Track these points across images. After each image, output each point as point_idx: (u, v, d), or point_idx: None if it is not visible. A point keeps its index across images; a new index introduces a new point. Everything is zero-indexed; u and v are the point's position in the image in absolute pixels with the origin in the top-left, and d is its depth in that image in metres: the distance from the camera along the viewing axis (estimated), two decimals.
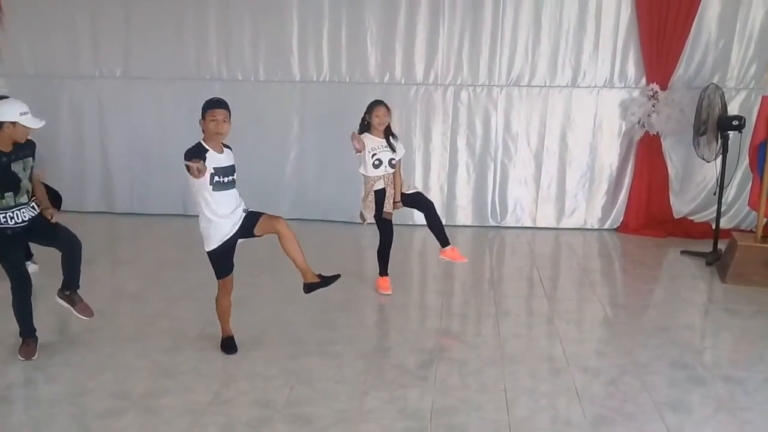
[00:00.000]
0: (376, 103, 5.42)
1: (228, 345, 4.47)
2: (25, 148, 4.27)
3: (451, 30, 7.35)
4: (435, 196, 7.60)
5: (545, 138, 7.54)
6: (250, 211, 4.27)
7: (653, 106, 7.14)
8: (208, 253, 4.26)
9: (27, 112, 4.18)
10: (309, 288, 4.36)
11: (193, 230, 5.70)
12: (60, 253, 4.38)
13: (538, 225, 7.73)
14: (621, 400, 3.94)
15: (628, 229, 7.54)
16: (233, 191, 4.23)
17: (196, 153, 4.01)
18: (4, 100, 4.25)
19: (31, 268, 4.11)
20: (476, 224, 7.74)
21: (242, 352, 4.44)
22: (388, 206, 5.30)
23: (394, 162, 5.32)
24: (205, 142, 4.14)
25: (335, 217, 7.73)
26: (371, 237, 6.37)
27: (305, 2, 7.40)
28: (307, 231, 6.30)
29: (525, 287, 5.96)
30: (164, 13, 7.53)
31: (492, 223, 7.73)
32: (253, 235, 4.28)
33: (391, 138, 5.35)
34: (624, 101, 7.40)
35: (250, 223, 4.23)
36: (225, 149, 4.25)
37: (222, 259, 4.28)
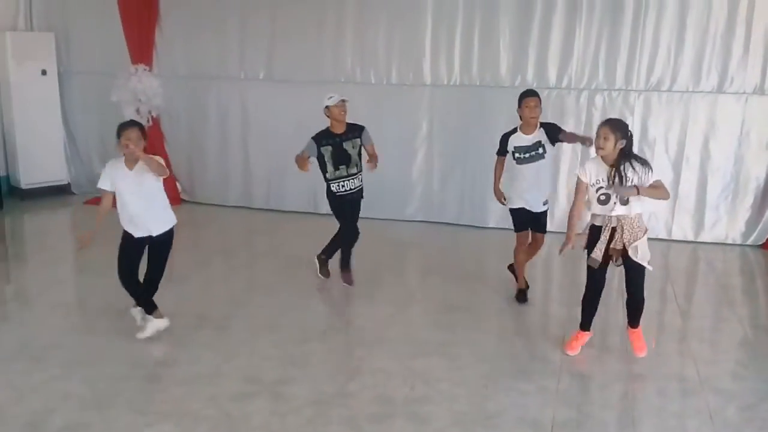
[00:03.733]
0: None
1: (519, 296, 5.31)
2: (354, 131, 5.36)
3: (588, 32, 7.15)
4: (562, 204, 7.45)
5: (685, 146, 7.15)
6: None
7: None
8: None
9: (332, 96, 5.32)
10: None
11: (324, 228, 5.99)
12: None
13: (674, 237, 7.35)
14: (758, 427, 3.70)
15: None
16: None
17: None
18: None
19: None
20: None
21: (367, 348, 4.59)
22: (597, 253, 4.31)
23: (626, 200, 4.19)
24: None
25: (460, 221, 7.75)
26: (495, 242, 6.34)
27: (440, 5, 7.49)
28: (431, 233, 6.40)
29: (657, 302, 5.70)
30: (306, 18, 7.88)
31: None
32: None
33: (632, 163, 4.15)
34: None
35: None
36: None
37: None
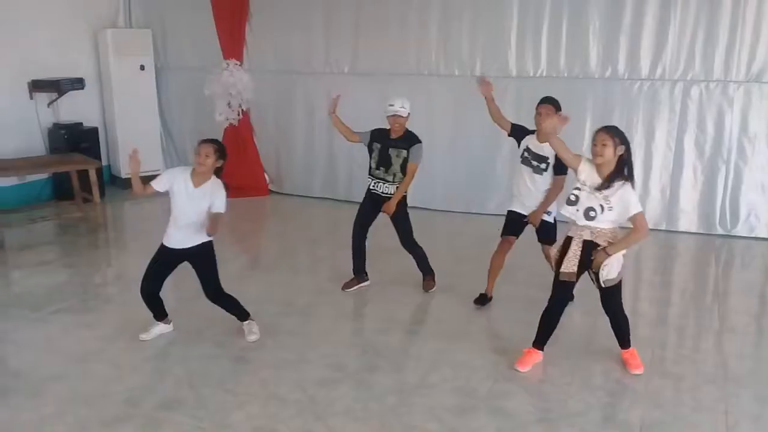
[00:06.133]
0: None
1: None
2: (407, 142, 5.18)
3: (684, 20, 6.83)
4: (655, 200, 7.19)
5: None
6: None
7: None
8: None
9: (392, 105, 5.17)
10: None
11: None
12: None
13: None
14: None
15: None
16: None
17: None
18: None
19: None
20: (701, 231, 7.15)
21: (448, 342, 4.59)
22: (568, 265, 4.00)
23: (593, 214, 3.89)
24: None
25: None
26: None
27: None
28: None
29: (756, 304, 5.42)
30: (389, 12, 7.91)
31: (720, 231, 7.10)
32: None
33: (616, 186, 3.85)
34: None
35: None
36: None
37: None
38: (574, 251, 3.93)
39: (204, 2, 8.56)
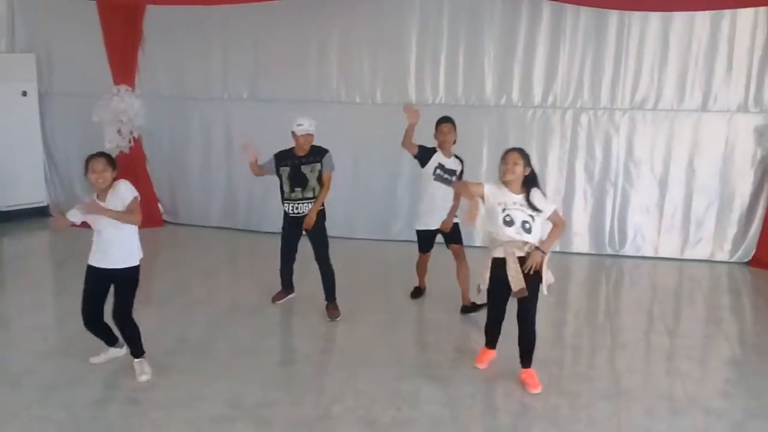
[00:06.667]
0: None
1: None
2: (316, 155, 5.25)
3: (572, 51, 7.18)
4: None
5: (671, 164, 7.17)
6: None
7: None
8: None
9: (301, 124, 5.20)
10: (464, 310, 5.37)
11: (305, 249, 5.92)
12: None
13: (660, 255, 7.33)
14: None
15: (760, 264, 7.00)
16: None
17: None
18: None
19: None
20: (592, 252, 7.45)
21: (350, 370, 4.49)
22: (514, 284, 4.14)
23: (528, 225, 4.12)
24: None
25: None
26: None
27: (425, 27, 7.48)
28: (417, 253, 6.34)
29: (644, 320, 5.66)
30: (290, 40, 7.84)
31: (609, 251, 7.42)
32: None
33: (531, 192, 4.15)
34: (759, 127, 6.92)
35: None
36: None
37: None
38: (515, 269, 4.10)
39: (93, 25, 8.19)
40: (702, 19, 6.82)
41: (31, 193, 8.68)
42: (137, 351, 4.38)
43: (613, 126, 7.24)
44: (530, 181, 4.15)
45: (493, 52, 7.36)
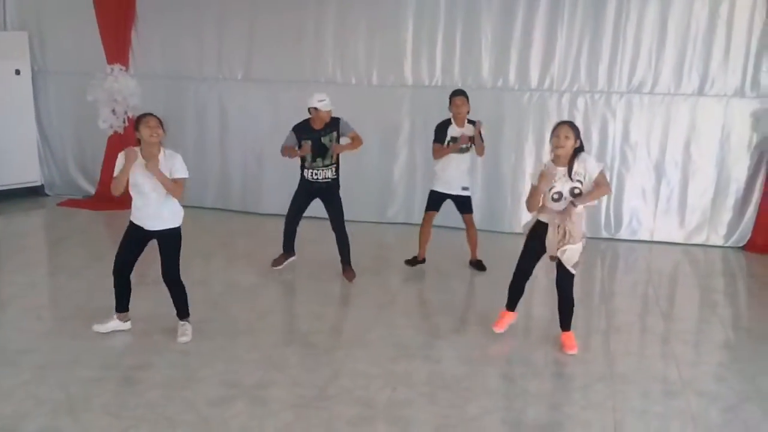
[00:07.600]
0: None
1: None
2: (331, 126, 5.57)
3: (570, 35, 7.14)
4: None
5: (667, 148, 7.17)
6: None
7: None
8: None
9: (323, 100, 5.48)
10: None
11: (305, 231, 5.91)
12: None
13: (656, 239, 7.35)
14: (741, 429, 3.69)
15: (755, 248, 7.04)
16: None
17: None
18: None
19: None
20: (588, 235, 7.40)
21: (347, 351, 4.51)
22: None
23: (578, 191, 4.30)
24: None
25: (442, 222, 7.68)
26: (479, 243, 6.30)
27: (422, 8, 7.43)
28: (413, 234, 6.35)
29: (639, 304, 5.69)
30: (286, 20, 7.78)
31: (605, 235, 7.44)
32: None
33: (579, 156, 4.30)
34: (756, 112, 6.93)
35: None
36: None
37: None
38: (554, 235, 4.29)
39: (86, 4, 8.11)
40: (701, 2, 6.80)
41: (25, 172, 8.62)
42: (183, 312, 4.64)
43: (609, 110, 7.22)
44: (577, 152, 4.27)
45: (491, 34, 7.32)
